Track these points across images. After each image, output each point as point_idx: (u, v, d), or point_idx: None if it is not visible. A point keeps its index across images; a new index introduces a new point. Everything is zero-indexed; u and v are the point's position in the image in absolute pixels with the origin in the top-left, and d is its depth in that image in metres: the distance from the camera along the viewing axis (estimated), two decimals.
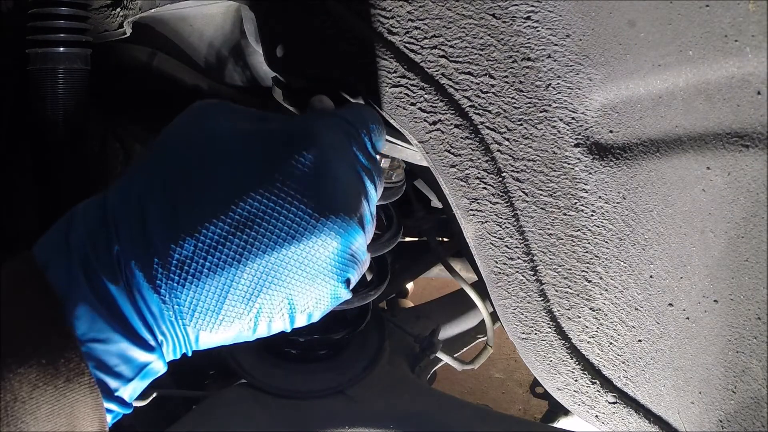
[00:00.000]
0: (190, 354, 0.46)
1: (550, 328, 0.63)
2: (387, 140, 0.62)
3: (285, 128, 0.47)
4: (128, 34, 0.78)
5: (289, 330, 0.48)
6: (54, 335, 0.39)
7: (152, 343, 0.43)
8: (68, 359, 0.39)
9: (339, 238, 0.46)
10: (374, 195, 0.51)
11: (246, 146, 0.45)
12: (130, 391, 0.44)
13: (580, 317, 0.62)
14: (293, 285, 0.45)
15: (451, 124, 0.59)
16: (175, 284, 0.41)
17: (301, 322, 0.48)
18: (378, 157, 0.65)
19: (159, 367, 0.45)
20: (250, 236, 0.43)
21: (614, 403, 0.64)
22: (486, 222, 0.61)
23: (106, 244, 0.42)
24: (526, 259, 0.61)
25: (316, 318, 0.49)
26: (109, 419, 0.42)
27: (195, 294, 0.42)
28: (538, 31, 0.54)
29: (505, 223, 0.61)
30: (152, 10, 0.77)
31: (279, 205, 0.43)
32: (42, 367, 0.38)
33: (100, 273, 0.41)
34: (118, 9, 0.76)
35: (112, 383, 0.42)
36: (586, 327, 0.62)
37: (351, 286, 0.50)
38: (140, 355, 0.42)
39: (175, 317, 0.42)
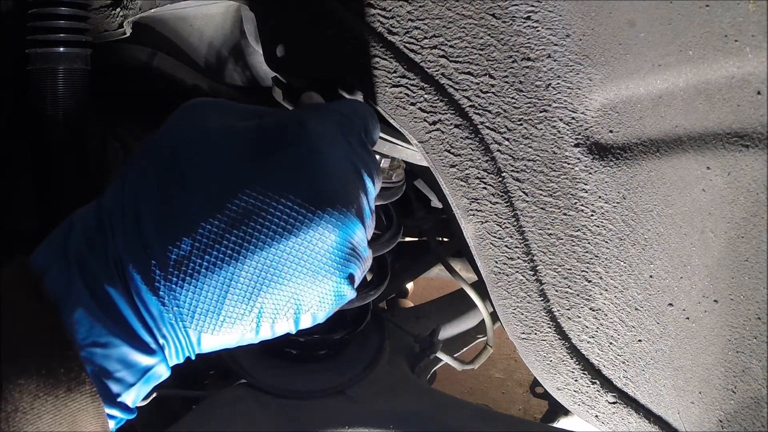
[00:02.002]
0: (194, 357, 0.45)
1: (550, 328, 0.63)
2: (387, 140, 0.62)
3: (275, 121, 0.47)
4: (128, 34, 0.78)
5: (294, 332, 0.47)
6: (52, 343, 0.38)
7: (153, 346, 0.42)
8: (68, 368, 0.38)
9: (337, 231, 0.45)
10: (372, 188, 0.50)
11: (235, 141, 0.45)
12: (133, 396, 0.43)
13: (580, 317, 0.62)
14: (293, 282, 0.44)
15: (451, 124, 0.59)
16: (174, 285, 0.41)
17: (306, 323, 0.47)
18: (378, 157, 0.65)
19: (162, 372, 0.44)
20: (246, 232, 0.42)
21: (614, 403, 0.64)
22: (486, 222, 0.61)
23: (102, 247, 0.41)
24: (526, 259, 0.61)
25: (321, 319, 0.48)
26: (113, 425, 0.42)
27: (194, 294, 0.42)
28: (538, 31, 0.54)
29: (505, 223, 0.61)
30: (152, 10, 0.77)
31: (272, 199, 0.43)
32: (42, 378, 0.37)
33: (97, 276, 0.40)
34: (118, 9, 0.76)
35: (115, 388, 0.41)
36: (586, 327, 0.62)
37: (355, 285, 0.49)
38: (142, 359, 0.42)
39: (176, 319, 0.42)
